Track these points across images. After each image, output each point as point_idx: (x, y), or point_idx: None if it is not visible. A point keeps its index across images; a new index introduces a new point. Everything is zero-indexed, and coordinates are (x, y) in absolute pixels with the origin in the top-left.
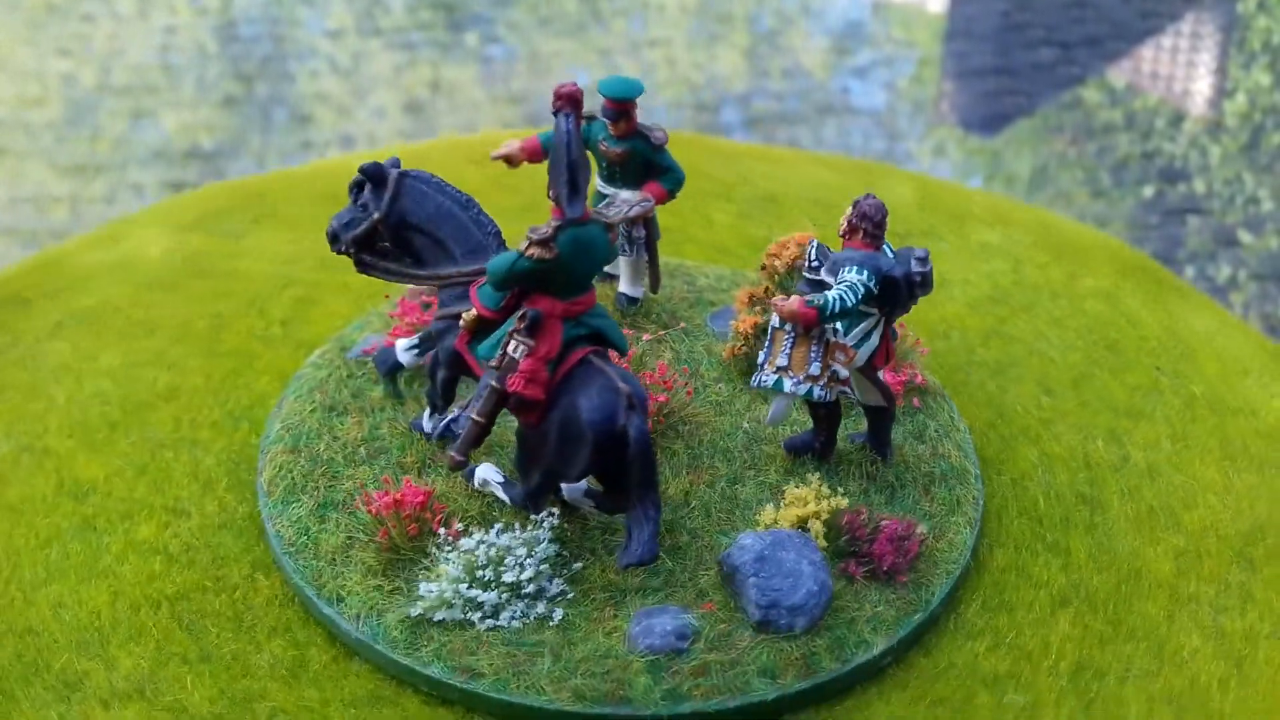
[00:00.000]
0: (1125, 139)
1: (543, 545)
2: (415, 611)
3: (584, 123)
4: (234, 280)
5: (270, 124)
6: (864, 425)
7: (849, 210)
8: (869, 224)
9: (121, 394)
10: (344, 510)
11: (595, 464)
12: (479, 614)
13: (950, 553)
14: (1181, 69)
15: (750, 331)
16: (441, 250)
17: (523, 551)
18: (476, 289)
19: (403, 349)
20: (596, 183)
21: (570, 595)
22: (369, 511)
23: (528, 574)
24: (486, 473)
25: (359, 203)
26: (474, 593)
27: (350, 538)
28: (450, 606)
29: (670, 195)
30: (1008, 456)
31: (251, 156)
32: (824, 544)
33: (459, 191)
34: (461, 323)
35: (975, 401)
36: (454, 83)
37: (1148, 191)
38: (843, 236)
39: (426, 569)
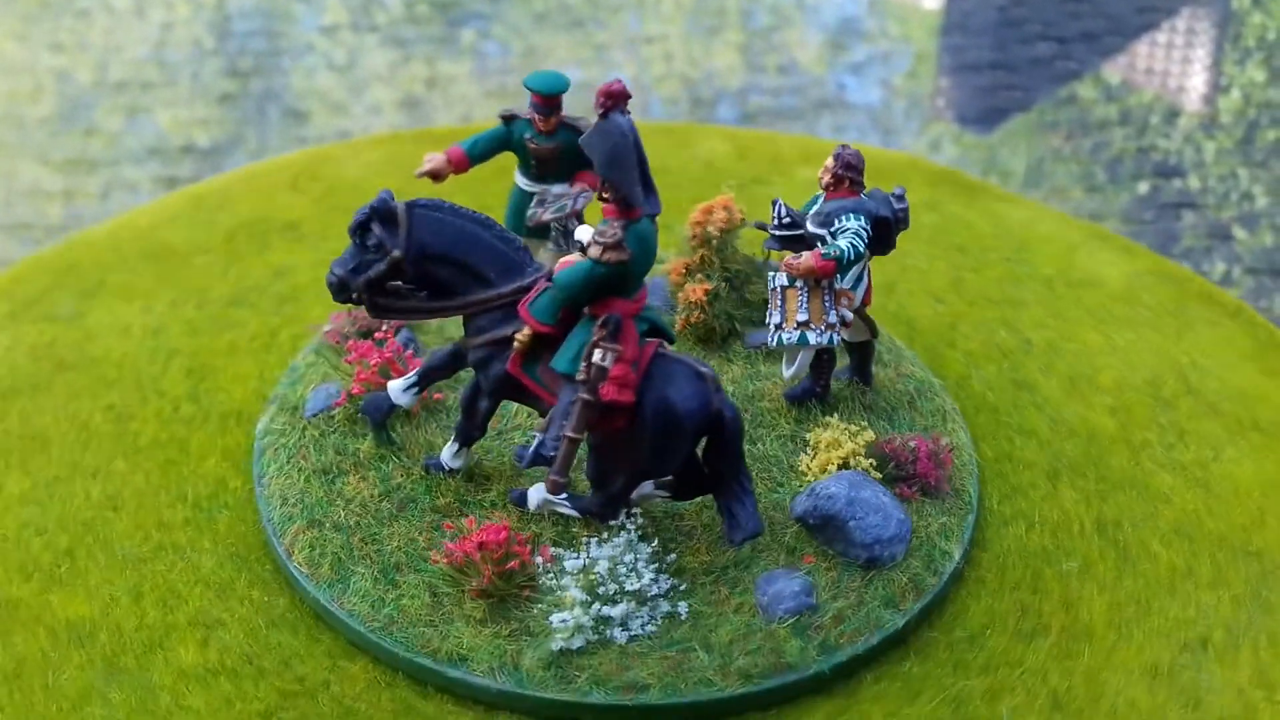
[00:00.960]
0: (1120, 134)
1: (640, 546)
2: (556, 646)
3: (506, 124)
4: (104, 366)
5: (266, 120)
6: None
7: (830, 163)
8: (853, 173)
9: (56, 517)
10: (410, 570)
11: (691, 453)
12: (615, 630)
13: (961, 455)
14: (1176, 65)
15: (703, 299)
16: (473, 276)
17: (630, 557)
18: (529, 306)
19: (400, 390)
20: (520, 181)
21: (682, 587)
22: (449, 563)
23: (647, 578)
24: (543, 492)
25: (368, 243)
26: (605, 610)
27: (435, 594)
28: (583, 630)
29: None
30: (940, 361)
31: (247, 153)
32: (878, 475)
33: (475, 212)
34: (516, 344)
35: (886, 319)
36: (450, 79)
37: (1143, 187)
38: (827, 189)
39: (535, 600)
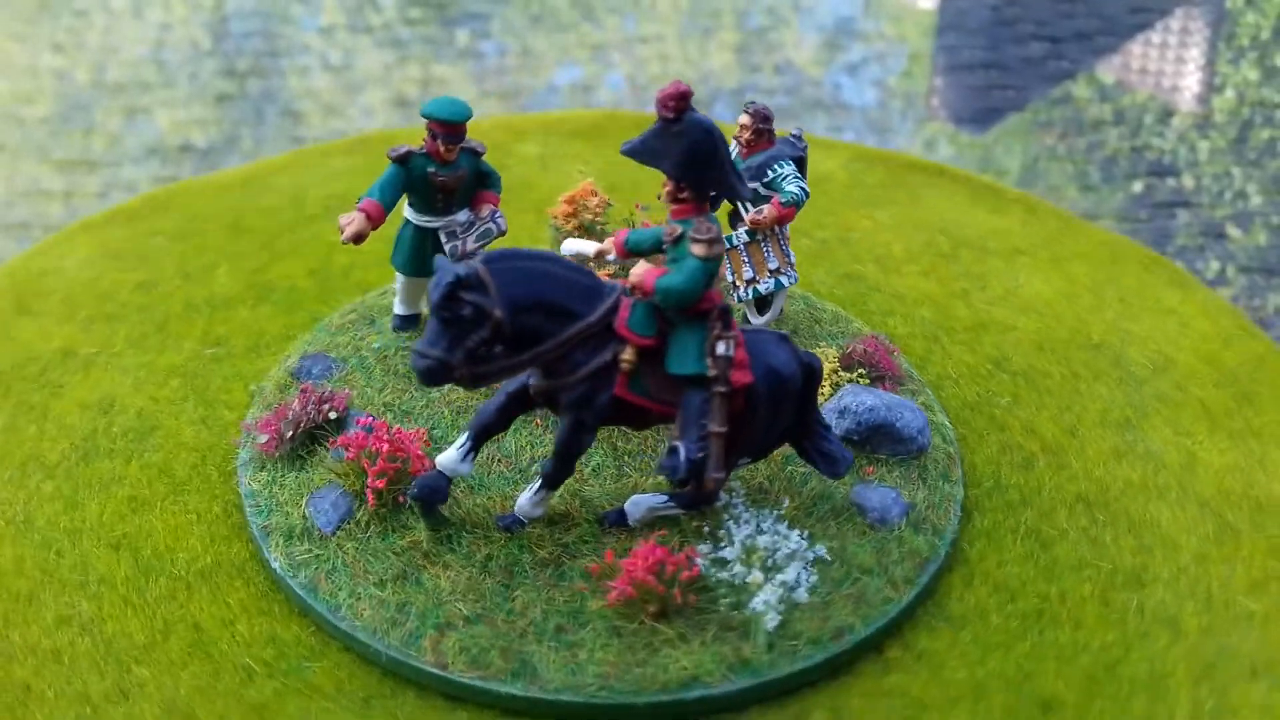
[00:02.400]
0: (1115, 134)
1: (764, 514)
2: (770, 626)
3: (399, 164)
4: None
5: (262, 121)
6: None
7: (748, 121)
8: (769, 125)
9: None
10: (575, 625)
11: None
12: (798, 592)
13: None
14: (1170, 64)
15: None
16: (562, 314)
17: (769, 525)
18: (629, 325)
19: (458, 460)
20: (415, 219)
21: (807, 534)
22: (619, 598)
23: (794, 537)
24: (644, 501)
25: (463, 314)
26: (782, 578)
27: (619, 634)
28: (781, 603)
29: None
30: (866, 310)
31: (243, 153)
32: (867, 381)
33: (536, 250)
34: (625, 365)
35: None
36: (445, 80)
37: (1137, 186)
38: (748, 144)
39: (707, 601)
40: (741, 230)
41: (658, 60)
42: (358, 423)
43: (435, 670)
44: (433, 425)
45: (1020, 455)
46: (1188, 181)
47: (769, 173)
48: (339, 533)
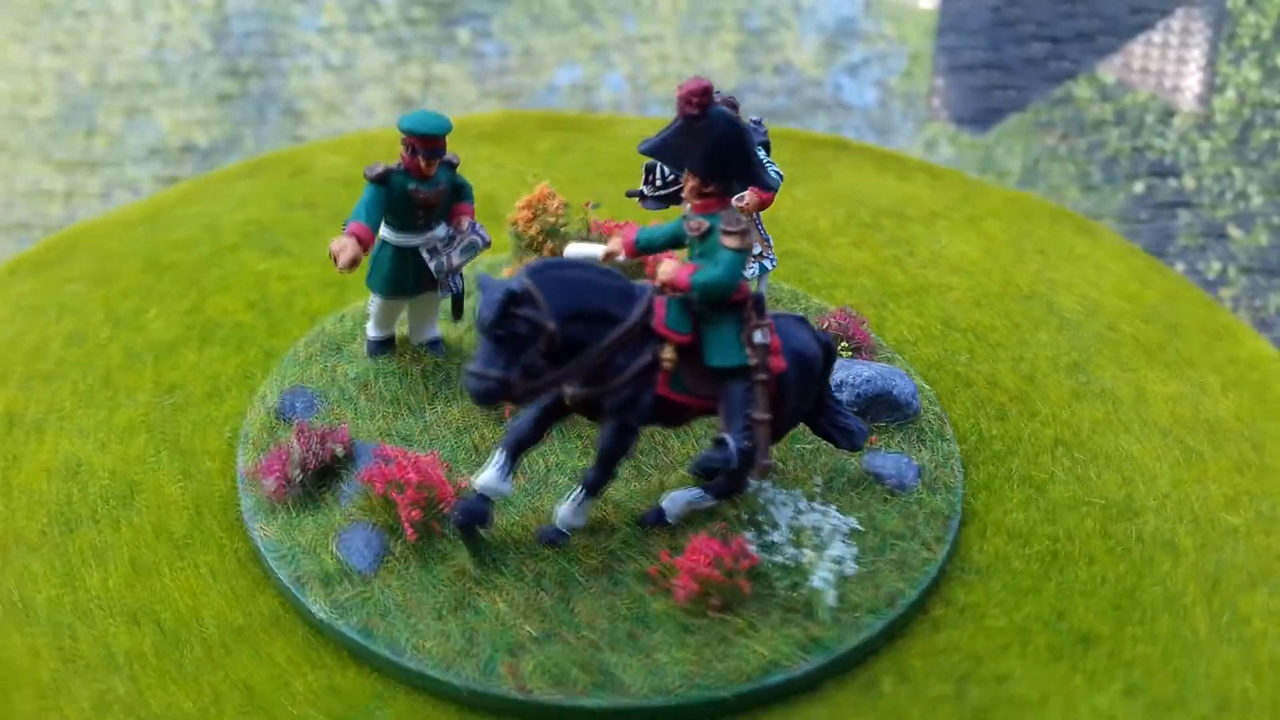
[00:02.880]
0: (1116, 134)
1: (797, 494)
2: (832, 602)
3: (378, 184)
4: None
5: (263, 121)
6: None
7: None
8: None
9: None
10: (652, 627)
11: None
12: (847, 566)
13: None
14: (1171, 65)
15: None
16: (603, 320)
17: (805, 505)
18: (667, 324)
19: (499, 480)
20: (393, 238)
21: (836, 509)
22: (687, 596)
23: (832, 514)
24: (681, 497)
25: (518, 330)
26: (833, 553)
27: (690, 630)
28: (836, 575)
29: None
30: (812, 284)
31: (245, 153)
32: (850, 353)
33: (564, 258)
34: (667, 364)
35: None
36: (445, 79)
37: (1138, 187)
38: None
39: (764, 586)
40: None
41: (658, 60)
42: (374, 454)
43: (518, 696)
44: (436, 447)
45: (993, 407)
46: (1189, 182)
47: None
48: (380, 570)
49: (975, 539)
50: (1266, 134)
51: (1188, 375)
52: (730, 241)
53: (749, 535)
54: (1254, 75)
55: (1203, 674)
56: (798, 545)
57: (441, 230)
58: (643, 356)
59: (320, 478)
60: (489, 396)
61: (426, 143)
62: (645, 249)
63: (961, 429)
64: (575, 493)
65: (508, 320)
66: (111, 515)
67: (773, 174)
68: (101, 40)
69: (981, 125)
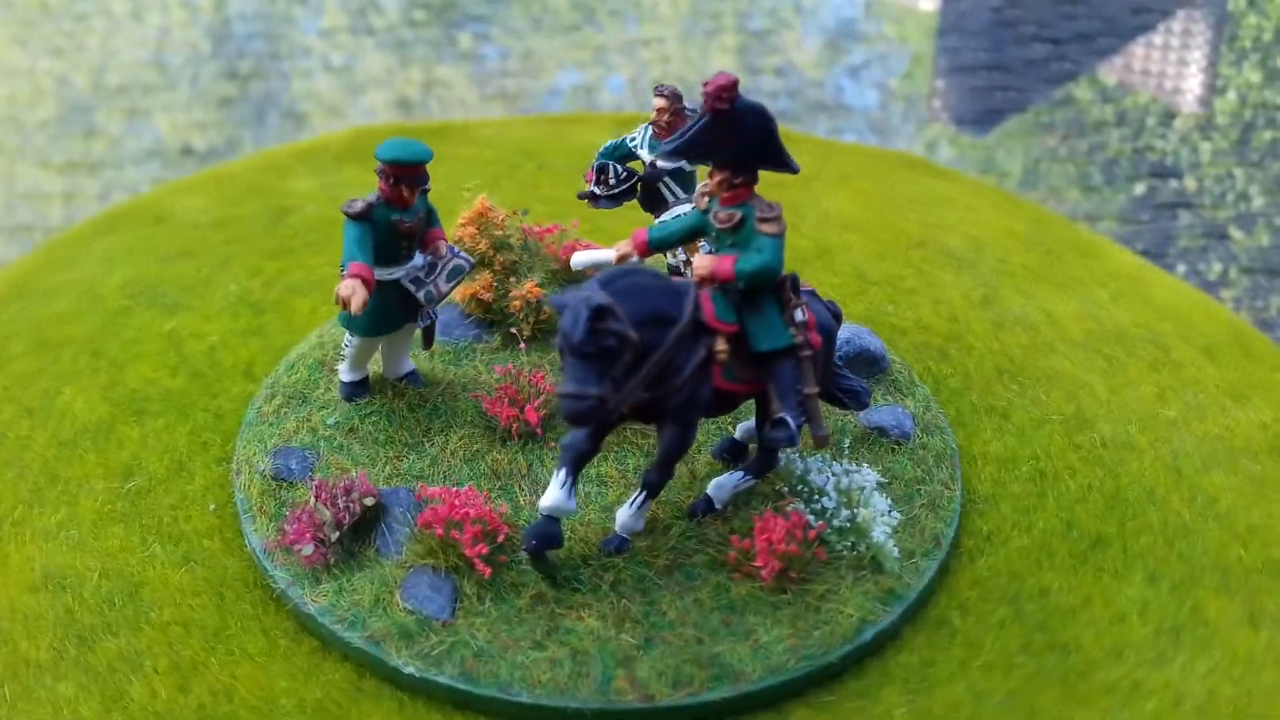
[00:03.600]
0: (1116, 136)
1: (826, 459)
2: (896, 554)
3: (362, 220)
4: None
5: (263, 123)
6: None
7: (664, 104)
8: (682, 104)
9: None
10: (743, 612)
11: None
12: (894, 516)
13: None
14: (1172, 66)
15: (541, 295)
16: (665, 322)
17: (840, 468)
18: (715, 315)
19: (564, 498)
20: (374, 273)
21: (866, 467)
22: (777, 571)
23: (865, 475)
24: (727, 483)
25: (607, 345)
26: (879, 506)
27: (774, 605)
28: (891, 527)
29: None
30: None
31: (245, 155)
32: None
33: (623, 267)
34: (722, 356)
35: None
36: (447, 82)
37: (1139, 188)
38: (667, 126)
39: (831, 552)
40: (670, 217)
41: (659, 62)
42: (418, 497)
43: (643, 706)
44: (455, 479)
45: (934, 350)
46: (1190, 183)
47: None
48: (458, 613)
49: (972, 471)
50: (1268, 135)
51: (1080, 293)
52: (769, 228)
53: (800, 506)
54: (1255, 77)
55: (1200, 551)
56: (849, 506)
57: (419, 259)
58: (698, 353)
59: (355, 533)
60: (590, 416)
61: (410, 171)
62: (659, 247)
63: (917, 373)
64: (636, 497)
65: (599, 336)
66: (126, 619)
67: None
68: (101, 43)
69: (982, 127)
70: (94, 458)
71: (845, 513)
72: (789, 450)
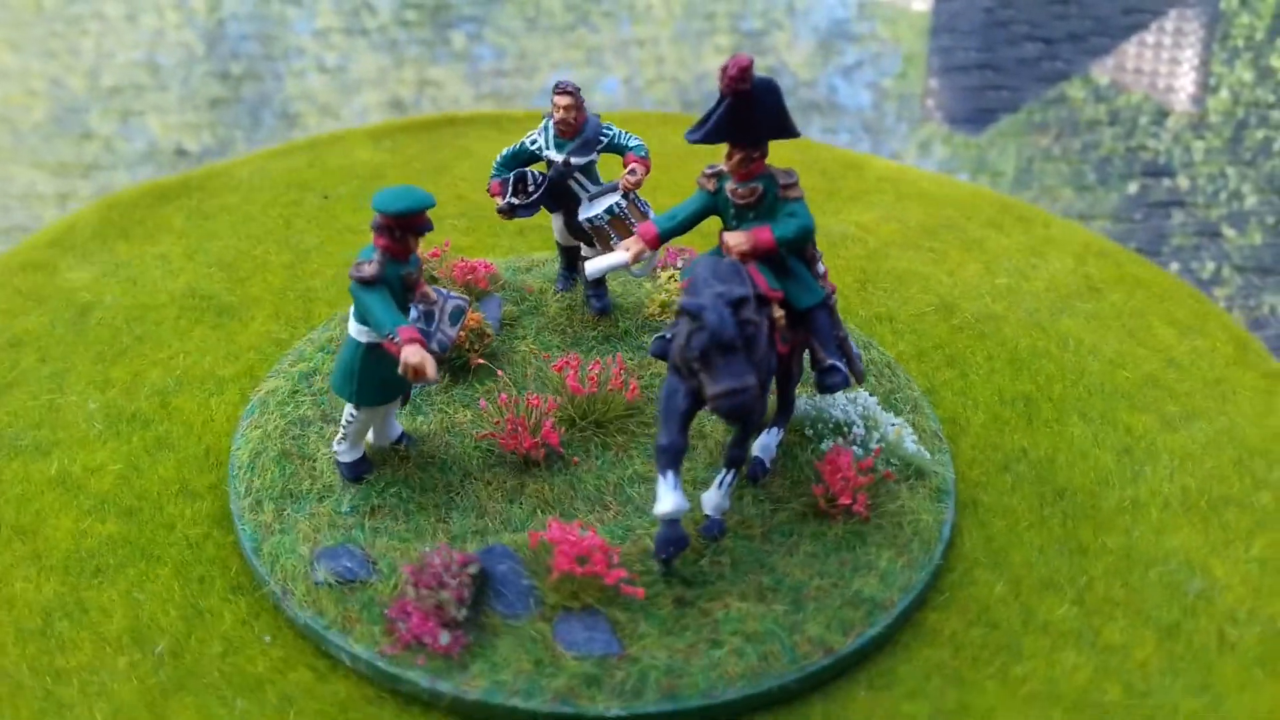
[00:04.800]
0: (1109, 134)
1: (825, 400)
2: (926, 454)
3: (378, 283)
4: None
5: (257, 125)
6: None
7: (570, 101)
8: (581, 98)
9: None
10: (849, 552)
11: None
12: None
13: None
14: (1165, 65)
15: (482, 323)
16: (757, 299)
17: (860, 398)
18: (769, 286)
19: (681, 498)
20: (375, 335)
21: (864, 392)
22: (866, 505)
23: (864, 397)
24: (770, 442)
25: (747, 335)
26: (893, 422)
27: (866, 538)
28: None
29: None
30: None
31: (238, 158)
32: None
33: (703, 255)
34: (782, 322)
35: None
36: (440, 82)
37: (1132, 187)
38: (574, 122)
39: (890, 490)
40: (602, 210)
41: (652, 63)
42: (533, 542)
43: (831, 660)
44: (515, 522)
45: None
46: (1183, 182)
47: (603, 137)
48: (625, 641)
49: (935, 401)
50: (1260, 134)
51: (872, 201)
52: (795, 193)
53: (839, 441)
54: (1247, 75)
55: (1099, 384)
56: (874, 428)
57: (414, 311)
58: (764, 323)
59: (474, 606)
60: (753, 405)
61: (417, 220)
62: (669, 236)
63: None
64: (724, 476)
65: (743, 326)
66: None
67: (639, 140)
68: (95, 44)
69: (975, 126)
70: (86, 637)
71: (875, 434)
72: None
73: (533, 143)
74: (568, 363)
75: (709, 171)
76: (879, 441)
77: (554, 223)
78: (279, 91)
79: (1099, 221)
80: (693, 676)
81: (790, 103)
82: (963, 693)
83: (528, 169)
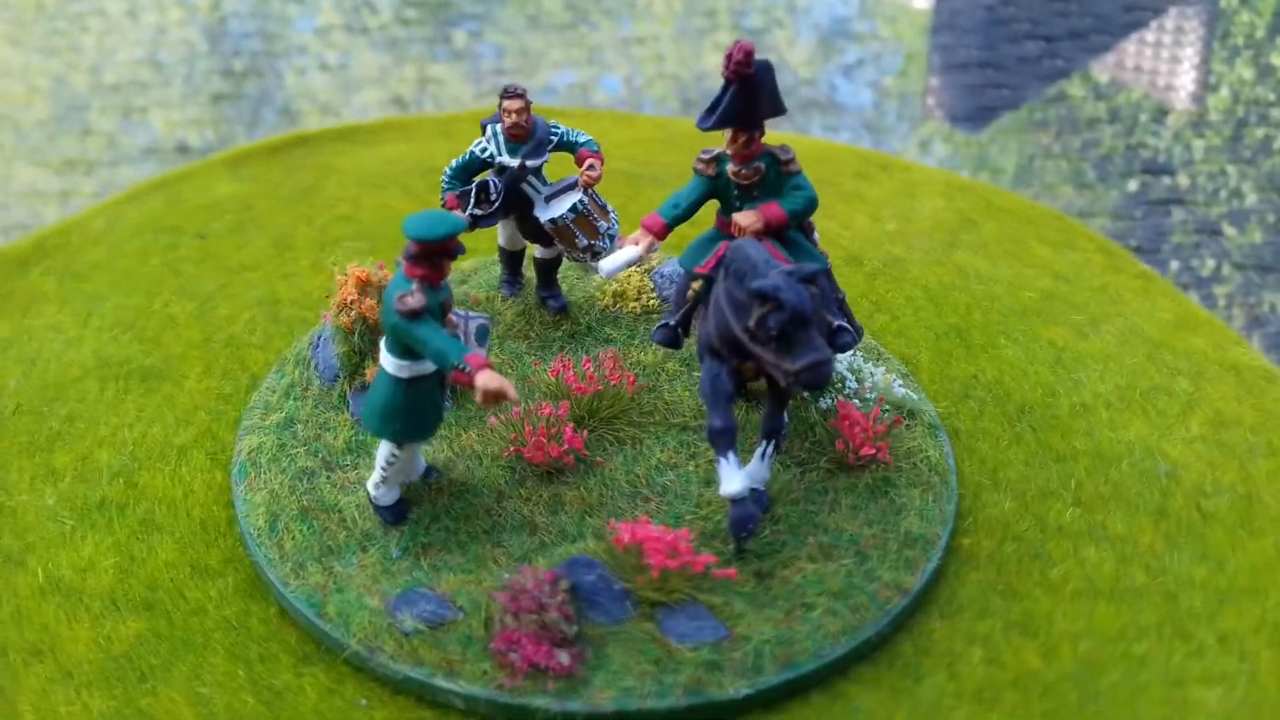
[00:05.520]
0: (1109, 132)
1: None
2: (915, 397)
3: (422, 315)
4: None
5: (259, 121)
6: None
7: (519, 105)
8: (518, 98)
9: None
10: (881, 496)
11: None
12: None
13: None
14: (1165, 63)
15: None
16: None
17: (850, 358)
18: (787, 259)
19: (744, 477)
20: (416, 368)
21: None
22: (888, 448)
23: (859, 358)
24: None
25: (817, 309)
26: (879, 370)
27: (891, 475)
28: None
29: None
30: None
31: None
32: None
33: (740, 239)
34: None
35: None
36: (441, 80)
37: (1132, 185)
38: (525, 124)
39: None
40: (566, 209)
41: (653, 61)
42: (619, 543)
43: (908, 600)
44: (570, 532)
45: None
46: (1183, 180)
47: (553, 136)
48: (730, 624)
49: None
50: (1260, 132)
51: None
52: (795, 167)
53: (839, 398)
54: (1248, 73)
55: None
56: (863, 380)
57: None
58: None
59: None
60: (830, 374)
61: (452, 244)
62: (677, 223)
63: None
64: (764, 448)
65: (814, 301)
66: None
67: (587, 136)
68: (97, 42)
69: (976, 124)
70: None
71: (867, 384)
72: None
73: (483, 151)
74: (563, 365)
75: (706, 157)
76: (872, 391)
77: (500, 229)
78: (280, 89)
79: (1099, 219)
80: (802, 642)
81: (791, 101)
82: (1020, 604)
83: (489, 177)
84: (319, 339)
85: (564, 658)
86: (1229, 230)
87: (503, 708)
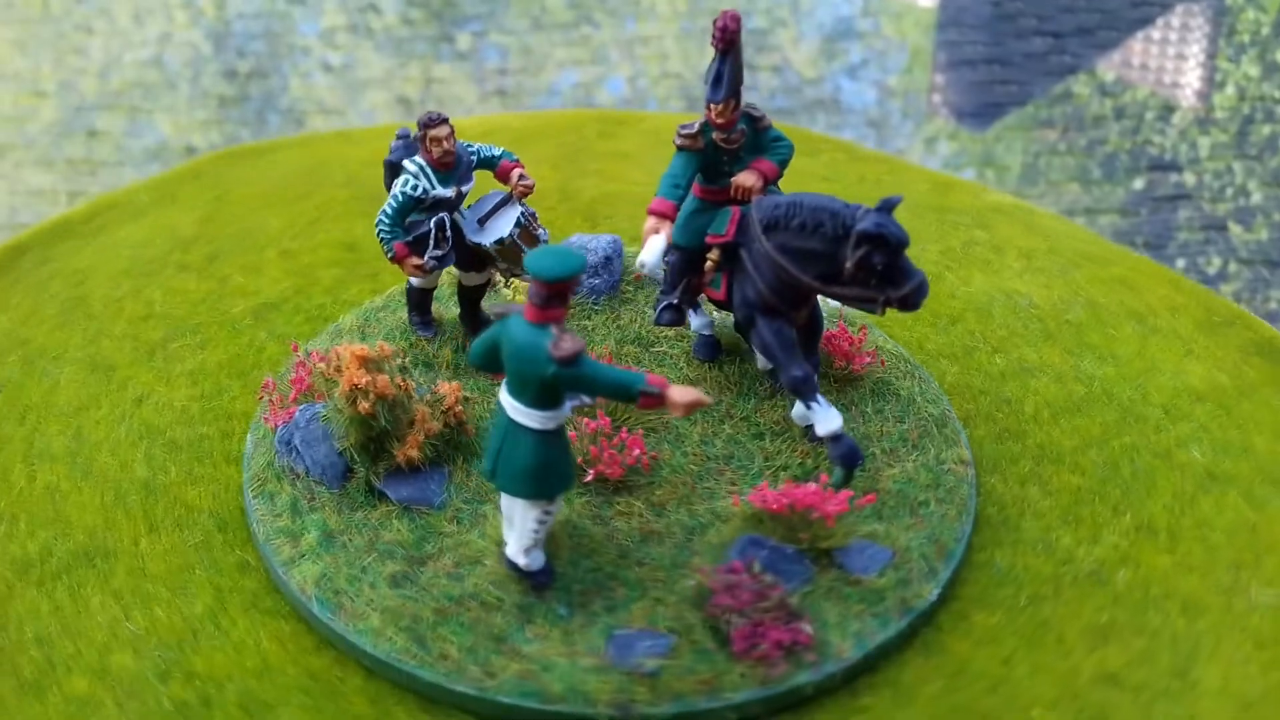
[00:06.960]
0: (1116, 130)
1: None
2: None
3: (579, 357)
4: None
5: (264, 123)
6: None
7: (446, 132)
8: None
9: None
10: (910, 449)
11: None
12: None
13: None
14: (1171, 61)
15: (459, 396)
16: None
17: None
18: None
19: (837, 413)
20: (557, 417)
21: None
22: (866, 364)
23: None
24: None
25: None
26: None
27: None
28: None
29: None
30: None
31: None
32: None
33: (791, 195)
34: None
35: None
36: (445, 81)
37: (1138, 182)
38: (451, 155)
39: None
40: (511, 226)
41: (657, 61)
42: (784, 506)
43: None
44: (692, 548)
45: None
46: (1189, 177)
47: (472, 157)
48: (889, 545)
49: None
50: (1266, 129)
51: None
52: (767, 121)
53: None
54: (1254, 71)
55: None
56: (848, 321)
57: None
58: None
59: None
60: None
61: (577, 280)
62: (681, 202)
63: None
64: (812, 401)
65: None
66: None
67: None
68: (103, 44)
69: (982, 121)
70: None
71: (847, 325)
72: None
73: (414, 189)
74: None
75: (688, 131)
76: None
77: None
78: (284, 91)
79: (1106, 216)
80: (943, 537)
81: (795, 101)
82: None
83: (443, 215)
84: (289, 438)
85: (806, 628)
86: (1235, 227)
87: (773, 700)
